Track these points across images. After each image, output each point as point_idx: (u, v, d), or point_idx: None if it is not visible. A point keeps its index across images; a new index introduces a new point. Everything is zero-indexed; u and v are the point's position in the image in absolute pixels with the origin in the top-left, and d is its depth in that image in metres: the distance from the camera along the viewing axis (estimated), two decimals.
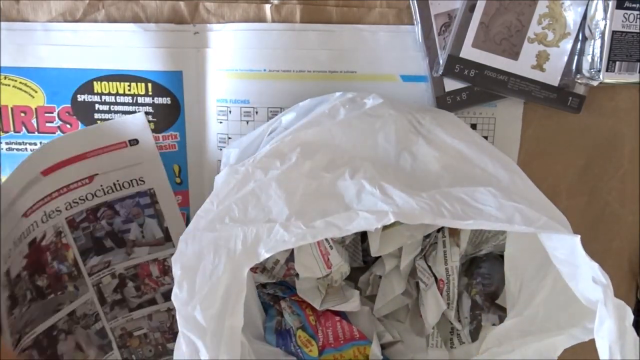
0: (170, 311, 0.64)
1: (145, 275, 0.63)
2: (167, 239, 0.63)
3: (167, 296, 0.64)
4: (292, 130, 0.48)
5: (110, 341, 0.63)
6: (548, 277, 0.48)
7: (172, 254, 0.59)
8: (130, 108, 0.61)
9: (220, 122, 0.60)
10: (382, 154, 0.48)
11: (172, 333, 0.65)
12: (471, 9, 0.57)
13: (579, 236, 0.42)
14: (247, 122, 0.60)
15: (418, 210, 0.41)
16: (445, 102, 0.59)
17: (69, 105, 0.61)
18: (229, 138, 0.61)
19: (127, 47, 0.59)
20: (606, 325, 0.39)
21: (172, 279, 0.59)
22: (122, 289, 0.63)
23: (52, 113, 0.61)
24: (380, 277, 0.60)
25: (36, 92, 0.60)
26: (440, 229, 0.58)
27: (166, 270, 0.63)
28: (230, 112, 0.60)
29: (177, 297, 0.39)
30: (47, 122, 0.61)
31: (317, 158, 0.45)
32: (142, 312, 0.64)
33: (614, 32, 0.55)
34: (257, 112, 0.60)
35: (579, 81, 0.58)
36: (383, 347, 0.59)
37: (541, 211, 0.43)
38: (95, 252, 0.62)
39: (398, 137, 0.49)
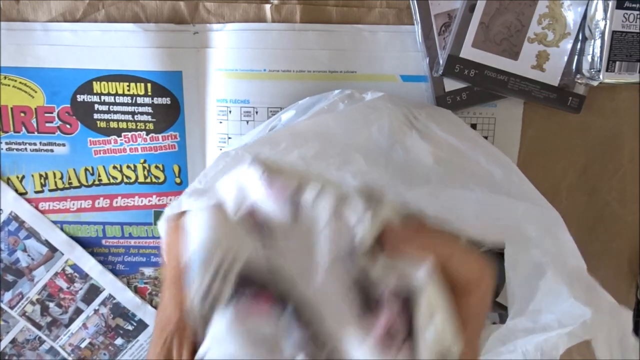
0: (98, 311, 0.66)
1: (57, 290, 0.66)
2: (53, 250, 0.64)
3: (86, 300, 0.66)
4: (287, 125, 0.48)
5: (64, 358, 0.67)
6: (548, 273, 0.48)
7: (66, 261, 0.64)
8: (130, 108, 0.61)
9: (221, 122, 0.60)
10: (374, 146, 0.48)
11: (111, 330, 0.67)
12: (471, 9, 0.57)
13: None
14: (247, 122, 0.60)
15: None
16: (445, 102, 0.59)
17: (69, 106, 0.61)
18: (229, 138, 0.61)
19: (126, 47, 0.59)
20: (601, 332, 0.39)
21: (81, 283, 0.64)
22: (47, 311, 0.66)
23: (51, 113, 0.61)
24: None
25: (36, 92, 0.60)
26: None
27: (71, 278, 0.65)
28: (230, 112, 0.60)
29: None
30: (46, 122, 0.61)
31: (307, 146, 0.45)
32: (77, 324, 0.67)
33: (614, 32, 0.55)
34: (257, 112, 0.60)
35: (579, 81, 0.58)
36: None
37: (534, 207, 0.43)
38: (4, 289, 0.65)
39: (392, 130, 0.49)
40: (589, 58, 0.56)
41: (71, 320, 0.66)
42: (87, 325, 0.66)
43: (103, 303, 0.66)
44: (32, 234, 0.64)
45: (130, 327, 0.67)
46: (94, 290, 0.65)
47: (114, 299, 0.66)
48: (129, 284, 0.66)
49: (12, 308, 0.66)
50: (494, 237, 0.41)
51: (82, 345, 0.67)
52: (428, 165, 0.47)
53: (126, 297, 0.66)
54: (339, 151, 0.46)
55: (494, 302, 0.57)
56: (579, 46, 0.57)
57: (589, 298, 0.41)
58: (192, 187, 0.43)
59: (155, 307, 0.66)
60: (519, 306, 0.51)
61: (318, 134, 0.46)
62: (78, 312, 0.66)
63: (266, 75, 0.59)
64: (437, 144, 0.49)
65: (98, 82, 0.60)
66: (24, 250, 0.64)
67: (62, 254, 0.64)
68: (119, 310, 0.66)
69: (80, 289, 0.65)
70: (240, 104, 0.60)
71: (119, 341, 0.67)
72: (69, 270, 0.65)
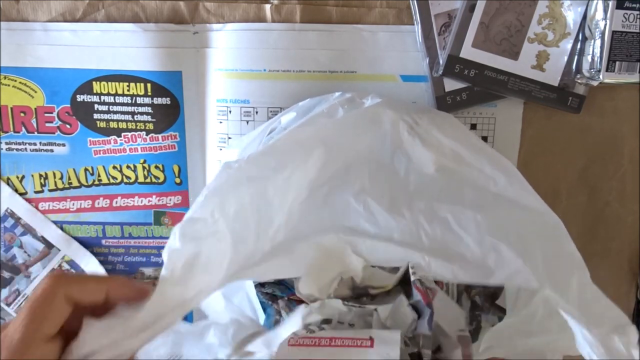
0: None
1: None
2: (50, 246, 0.64)
3: None
4: (289, 129, 0.48)
5: None
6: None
7: (63, 257, 0.64)
8: (130, 108, 0.61)
9: (221, 122, 0.60)
10: (377, 155, 0.48)
11: None
12: (471, 9, 0.57)
13: (548, 292, 0.41)
14: (247, 122, 0.60)
15: (392, 246, 0.41)
16: (445, 102, 0.59)
17: (69, 106, 0.61)
18: (229, 138, 0.61)
19: (126, 47, 0.59)
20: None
21: None
22: None
23: (51, 113, 0.61)
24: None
25: (36, 92, 0.60)
26: None
27: None
28: (230, 112, 0.60)
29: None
30: (46, 122, 0.61)
31: (312, 160, 0.45)
32: None
33: (614, 32, 0.55)
34: (257, 112, 0.60)
35: (579, 81, 0.58)
36: None
37: (536, 214, 0.43)
38: (1, 285, 0.65)
39: (393, 138, 0.49)
40: (589, 58, 0.56)
41: None
42: None
43: None
44: (28, 230, 0.64)
45: None
46: None
47: None
48: None
49: (9, 305, 0.66)
50: (497, 278, 0.42)
51: None
52: (429, 174, 0.47)
53: None
54: (342, 163, 0.46)
55: (493, 305, 0.57)
56: (579, 46, 0.57)
57: (590, 307, 0.40)
58: (198, 204, 0.43)
59: None
60: (516, 308, 0.51)
61: (321, 144, 0.46)
62: None
63: (266, 75, 0.59)
64: (439, 150, 0.49)
65: (98, 82, 0.60)
66: (20, 246, 0.64)
67: (59, 250, 0.64)
68: None
69: None
70: (241, 104, 0.60)
71: None
72: (66, 266, 0.64)
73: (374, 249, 0.43)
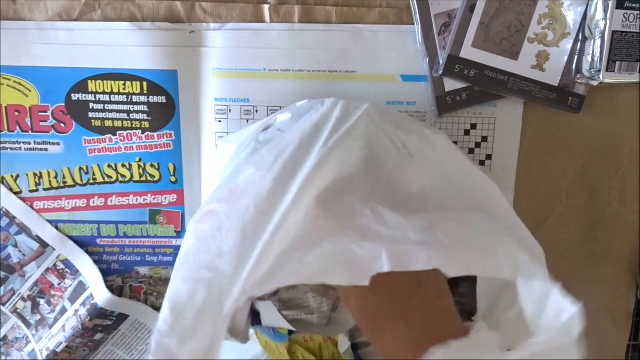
0: (77, 312, 0.65)
1: (49, 287, 0.65)
2: (44, 245, 0.64)
3: (72, 298, 0.65)
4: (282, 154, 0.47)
5: None
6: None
7: (57, 256, 0.64)
8: (125, 107, 0.60)
9: (220, 121, 0.60)
10: (371, 171, 0.47)
11: (89, 330, 0.65)
12: (471, 9, 0.57)
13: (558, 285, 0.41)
14: (247, 120, 0.60)
15: (413, 244, 0.40)
16: (445, 102, 0.59)
17: (63, 105, 0.60)
18: None
19: (122, 46, 0.59)
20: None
21: (71, 279, 0.64)
22: (38, 308, 0.66)
23: (46, 112, 0.60)
24: None
25: (30, 91, 0.60)
26: None
27: (62, 274, 0.65)
28: (230, 110, 0.60)
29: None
30: (41, 121, 0.61)
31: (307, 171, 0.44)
32: (57, 326, 0.65)
33: (614, 32, 0.55)
34: (257, 111, 0.60)
35: (579, 81, 0.58)
36: (358, 346, 0.60)
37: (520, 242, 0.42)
38: None
39: (383, 159, 0.48)
40: (589, 58, 0.56)
41: (55, 321, 0.65)
42: (65, 328, 0.65)
43: (83, 303, 0.64)
44: (23, 229, 0.63)
45: (109, 323, 0.66)
46: (80, 289, 0.65)
47: (93, 298, 0.64)
48: (123, 283, 0.65)
49: (3, 304, 0.65)
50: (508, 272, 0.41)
51: (59, 350, 0.65)
52: (421, 192, 0.47)
53: (103, 297, 0.64)
54: (339, 175, 0.45)
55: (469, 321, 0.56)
56: (579, 46, 0.58)
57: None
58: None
59: (152, 307, 0.66)
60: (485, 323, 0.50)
61: (310, 168, 0.44)
62: (63, 311, 0.65)
63: (266, 74, 0.59)
64: (427, 171, 0.49)
65: (93, 81, 0.60)
66: (15, 246, 0.64)
67: (54, 249, 0.64)
68: (96, 312, 0.64)
69: (70, 285, 0.64)
70: (241, 102, 0.60)
71: (98, 336, 0.66)
72: (61, 266, 0.64)
73: (395, 252, 0.40)
